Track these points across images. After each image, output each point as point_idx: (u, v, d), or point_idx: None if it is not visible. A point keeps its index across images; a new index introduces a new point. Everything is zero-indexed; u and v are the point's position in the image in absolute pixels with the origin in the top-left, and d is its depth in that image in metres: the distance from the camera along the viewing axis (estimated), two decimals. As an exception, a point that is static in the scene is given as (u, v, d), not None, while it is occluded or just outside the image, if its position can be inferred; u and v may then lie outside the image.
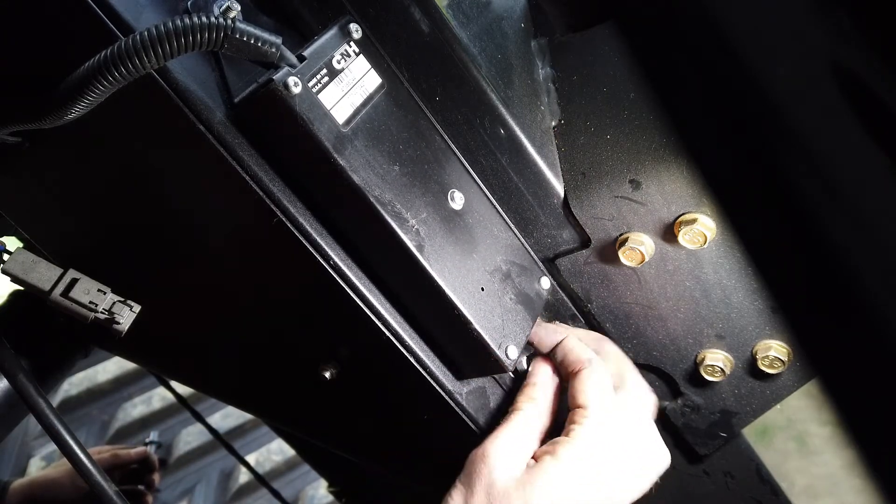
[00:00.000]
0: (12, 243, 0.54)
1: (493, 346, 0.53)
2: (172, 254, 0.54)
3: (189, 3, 0.46)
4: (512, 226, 0.59)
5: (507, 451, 0.53)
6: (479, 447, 0.54)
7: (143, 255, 0.55)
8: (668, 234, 0.58)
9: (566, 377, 0.58)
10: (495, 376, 0.59)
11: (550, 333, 0.61)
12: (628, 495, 0.55)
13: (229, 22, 0.40)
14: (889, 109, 0.21)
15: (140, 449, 1.21)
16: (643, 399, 0.59)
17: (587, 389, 0.55)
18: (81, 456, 0.52)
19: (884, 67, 0.21)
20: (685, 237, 0.56)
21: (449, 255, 0.51)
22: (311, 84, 0.45)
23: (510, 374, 0.61)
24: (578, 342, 0.60)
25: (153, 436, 1.87)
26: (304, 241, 0.48)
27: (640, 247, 0.58)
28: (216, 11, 0.45)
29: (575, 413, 0.55)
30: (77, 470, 0.52)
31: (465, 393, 0.57)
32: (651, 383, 0.66)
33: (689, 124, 0.26)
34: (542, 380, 0.58)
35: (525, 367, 0.61)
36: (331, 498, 1.58)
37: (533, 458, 0.54)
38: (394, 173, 0.49)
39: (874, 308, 0.22)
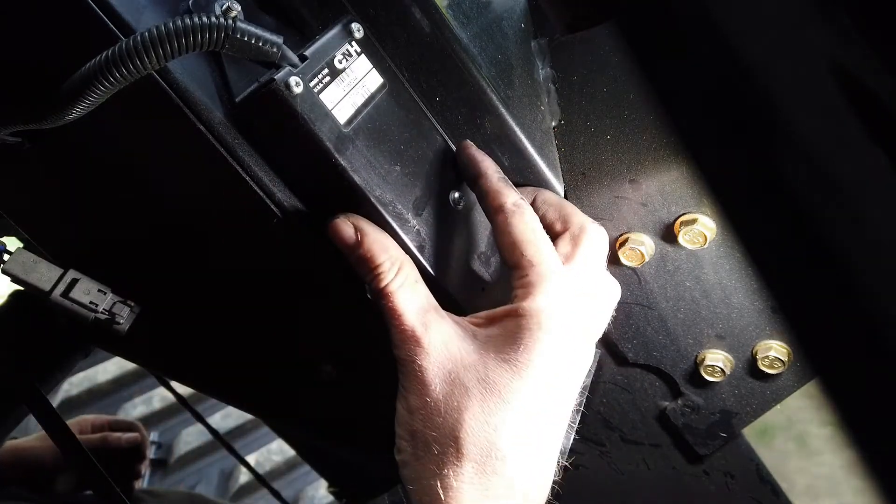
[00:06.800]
0: (12, 243, 0.54)
1: None
2: (172, 254, 0.54)
3: (190, 2, 0.46)
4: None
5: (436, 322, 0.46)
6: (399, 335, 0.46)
7: (143, 255, 0.55)
8: (668, 234, 0.58)
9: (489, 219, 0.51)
10: None
11: (469, 162, 0.53)
12: (589, 343, 0.51)
13: (230, 22, 0.40)
14: (889, 109, 0.21)
15: (131, 436, 1.12)
16: (596, 239, 0.53)
17: (519, 238, 0.48)
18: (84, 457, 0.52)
19: (884, 67, 0.21)
20: (685, 237, 0.56)
21: (450, 256, 0.51)
22: (312, 84, 0.45)
23: None
24: (501, 181, 0.51)
25: (153, 436, 1.87)
26: (304, 241, 0.48)
27: (640, 247, 0.58)
28: (217, 11, 0.45)
29: (518, 277, 0.48)
30: (78, 471, 0.52)
31: None
32: (651, 383, 0.67)
33: (689, 124, 0.26)
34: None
35: None
36: (331, 498, 1.58)
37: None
38: (395, 173, 0.49)
39: (874, 308, 0.22)
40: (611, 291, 0.54)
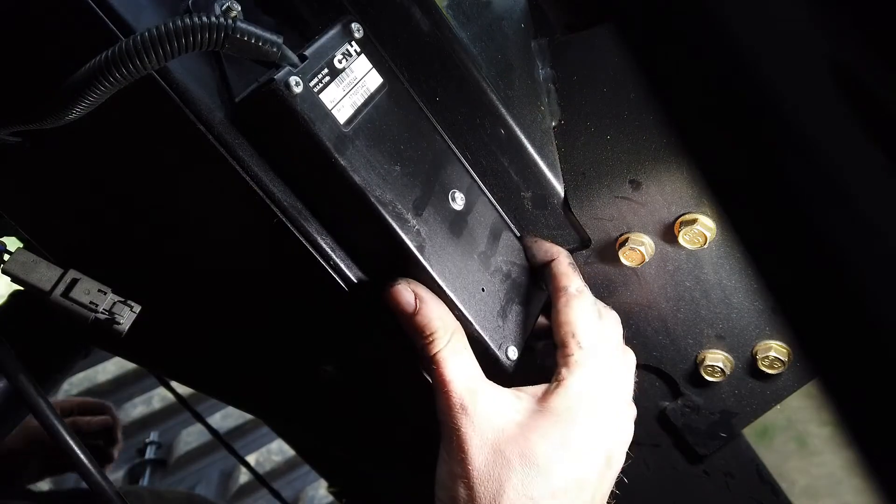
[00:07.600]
0: (12, 243, 0.54)
1: (493, 346, 0.53)
2: (172, 254, 0.54)
3: (189, 3, 0.46)
4: (512, 226, 0.59)
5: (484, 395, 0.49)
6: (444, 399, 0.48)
7: (143, 255, 0.55)
8: (668, 234, 0.58)
9: (550, 297, 0.56)
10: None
11: (543, 251, 0.59)
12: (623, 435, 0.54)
13: (230, 22, 0.40)
14: (889, 109, 0.21)
15: (101, 419, 1.07)
16: (618, 329, 0.58)
17: (575, 320, 0.53)
18: (83, 457, 0.52)
19: (884, 67, 0.21)
20: (685, 237, 0.56)
21: (450, 256, 0.51)
22: (312, 84, 0.45)
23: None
24: (570, 266, 0.57)
25: (153, 436, 1.87)
26: (304, 242, 0.48)
27: (640, 247, 0.58)
28: (217, 11, 0.45)
29: (565, 354, 0.52)
30: (78, 471, 0.52)
31: None
32: (651, 383, 0.67)
33: (689, 124, 0.26)
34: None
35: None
36: (331, 498, 1.58)
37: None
38: (395, 173, 0.49)
39: (874, 308, 0.22)
40: (630, 360, 0.58)
